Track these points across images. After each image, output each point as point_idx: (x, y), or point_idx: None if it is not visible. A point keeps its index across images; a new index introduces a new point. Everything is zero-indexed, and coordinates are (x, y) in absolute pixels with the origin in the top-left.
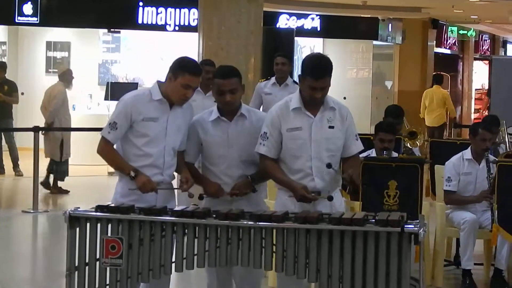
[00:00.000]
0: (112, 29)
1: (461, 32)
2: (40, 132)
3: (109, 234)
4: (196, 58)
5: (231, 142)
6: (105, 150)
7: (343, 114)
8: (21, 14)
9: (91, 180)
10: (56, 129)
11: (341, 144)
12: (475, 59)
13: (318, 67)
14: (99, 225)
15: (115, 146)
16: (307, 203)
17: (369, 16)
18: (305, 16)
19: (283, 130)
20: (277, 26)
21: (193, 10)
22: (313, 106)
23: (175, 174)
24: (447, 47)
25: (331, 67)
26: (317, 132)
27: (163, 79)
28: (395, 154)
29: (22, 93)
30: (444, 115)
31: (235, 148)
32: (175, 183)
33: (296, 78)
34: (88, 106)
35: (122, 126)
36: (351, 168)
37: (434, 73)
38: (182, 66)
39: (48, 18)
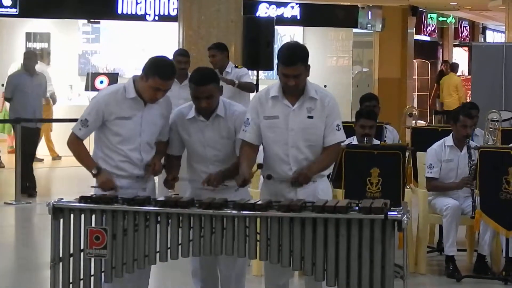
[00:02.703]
0: (91, 20)
1: (440, 19)
2: None
3: (93, 225)
4: (176, 48)
5: (207, 142)
6: (74, 144)
7: (325, 103)
8: (0, 5)
9: (74, 171)
10: (35, 120)
11: (321, 133)
12: (455, 45)
13: (289, 54)
14: (83, 215)
15: (93, 140)
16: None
17: (348, 4)
18: (285, 4)
19: (261, 118)
20: (257, 15)
21: (173, 0)
22: (292, 95)
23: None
24: (427, 34)
25: (304, 54)
26: (295, 122)
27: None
28: (376, 142)
29: (2, 85)
30: (458, 100)
31: (210, 147)
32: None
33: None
34: (69, 97)
35: (93, 124)
36: (313, 163)
37: (452, 62)
38: (153, 69)
39: (27, 9)
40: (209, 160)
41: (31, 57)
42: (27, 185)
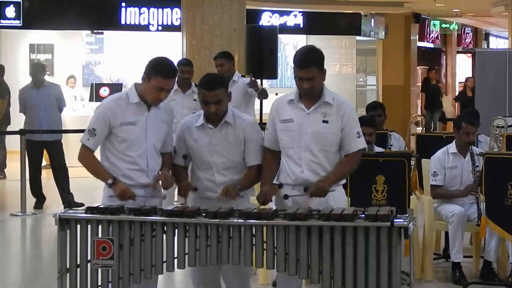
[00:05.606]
0: (95, 30)
1: (443, 25)
2: None
3: (99, 235)
4: (180, 58)
5: (214, 149)
6: (85, 157)
7: (342, 110)
8: (4, 17)
9: (79, 182)
10: (38, 132)
11: (335, 140)
12: (458, 52)
13: (303, 56)
14: (89, 226)
15: (98, 151)
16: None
17: (351, 11)
18: (288, 13)
19: (277, 121)
20: (260, 23)
21: (176, 10)
22: (309, 99)
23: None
24: (430, 41)
25: (318, 58)
26: (309, 125)
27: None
28: (378, 149)
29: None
30: None
31: (218, 155)
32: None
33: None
34: (73, 107)
35: (101, 132)
36: (331, 174)
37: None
38: (155, 68)
39: (30, 20)
40: (215, 168)
41: (38, 69)
42: (41, 196)
